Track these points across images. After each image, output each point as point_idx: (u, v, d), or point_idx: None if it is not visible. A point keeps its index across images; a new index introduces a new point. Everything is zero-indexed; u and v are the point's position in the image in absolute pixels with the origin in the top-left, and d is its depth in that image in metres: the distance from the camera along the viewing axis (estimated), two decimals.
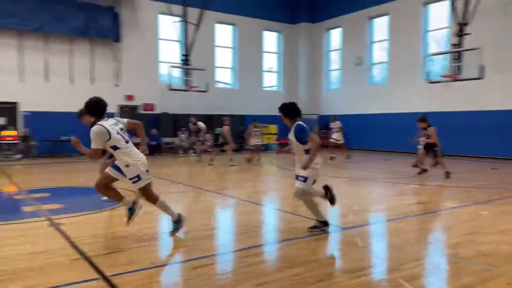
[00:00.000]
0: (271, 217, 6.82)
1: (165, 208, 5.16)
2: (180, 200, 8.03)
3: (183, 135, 18.50)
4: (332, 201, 5.44)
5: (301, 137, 5.03)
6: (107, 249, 4.66)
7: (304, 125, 5.16)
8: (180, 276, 4.05)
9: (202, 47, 19.60)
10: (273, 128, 21.36)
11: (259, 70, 23.22)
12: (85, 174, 11.41)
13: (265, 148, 19.92)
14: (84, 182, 9.61)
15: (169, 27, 19.35)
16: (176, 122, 19.32)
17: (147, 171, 4.91)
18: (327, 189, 5.43)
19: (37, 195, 8.12)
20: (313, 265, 4.12)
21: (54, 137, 16.61)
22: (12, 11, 15.85)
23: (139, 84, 19.02)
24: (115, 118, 5.07)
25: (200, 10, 18.31)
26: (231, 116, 17.12)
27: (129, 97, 18.93)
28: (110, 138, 4.73)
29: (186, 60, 18.47)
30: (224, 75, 22.50)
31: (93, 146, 4.76)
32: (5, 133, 15.76)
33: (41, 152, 16.46)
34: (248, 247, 4.78)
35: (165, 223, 6.49)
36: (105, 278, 3.73)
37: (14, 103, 16.46)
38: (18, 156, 15.58)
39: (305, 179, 5.09)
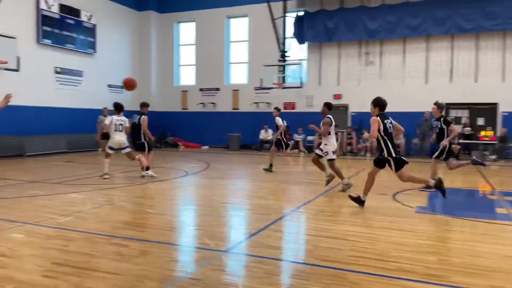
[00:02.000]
0: None
1: None
2: None
3: None
4: None
5: None
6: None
7: None
8: None
9: None
10: None
11: None
12: None
13: None
14: None
15: None
16: None
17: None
18: None
19: (511, 197, 7.80)
20: None
21: None
22: (495, 12, 15.88)
23: None
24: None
25: None
26: None
27: None
28: None
29: None
30: None
31: None
32: (483, 133, 16.12)
33: None
34: None
35: None
36: None
37: (495, 104, 16.49)
38: (494, 156, 15.50)
39: None
